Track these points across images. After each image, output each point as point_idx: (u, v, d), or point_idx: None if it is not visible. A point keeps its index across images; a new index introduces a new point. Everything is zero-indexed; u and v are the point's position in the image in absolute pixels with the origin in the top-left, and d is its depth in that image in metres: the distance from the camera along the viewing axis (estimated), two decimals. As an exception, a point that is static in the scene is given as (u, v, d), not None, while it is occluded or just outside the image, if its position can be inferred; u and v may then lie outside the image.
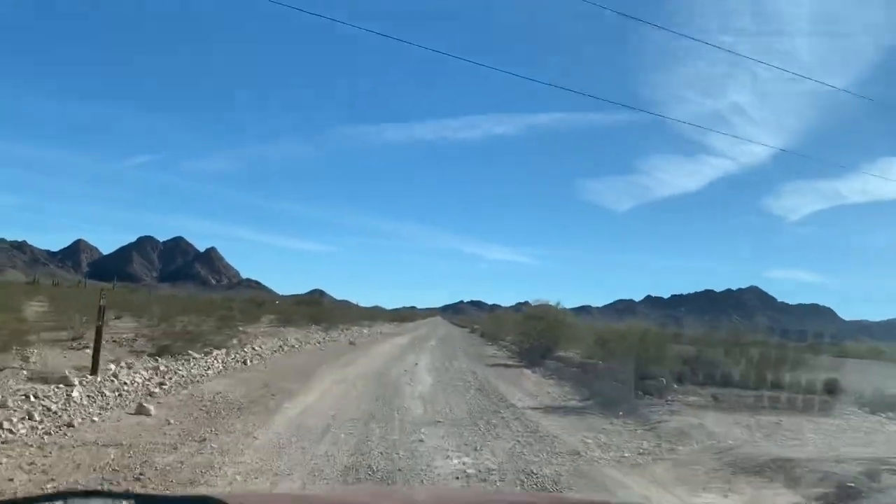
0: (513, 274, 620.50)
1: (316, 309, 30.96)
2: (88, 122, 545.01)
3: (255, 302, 46.23)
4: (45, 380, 9.06)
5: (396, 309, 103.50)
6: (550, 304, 36.28)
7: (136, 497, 1.27)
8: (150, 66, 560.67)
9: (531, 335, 21.28)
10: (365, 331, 35.73)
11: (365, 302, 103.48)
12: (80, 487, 4.58)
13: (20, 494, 4.20)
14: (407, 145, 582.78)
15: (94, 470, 5.32)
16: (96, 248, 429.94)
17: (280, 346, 17.68)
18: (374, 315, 57.90)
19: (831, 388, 12.03)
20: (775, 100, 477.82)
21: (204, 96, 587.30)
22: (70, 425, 6.77)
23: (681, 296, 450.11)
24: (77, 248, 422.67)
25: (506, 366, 19.92)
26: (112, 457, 5.73)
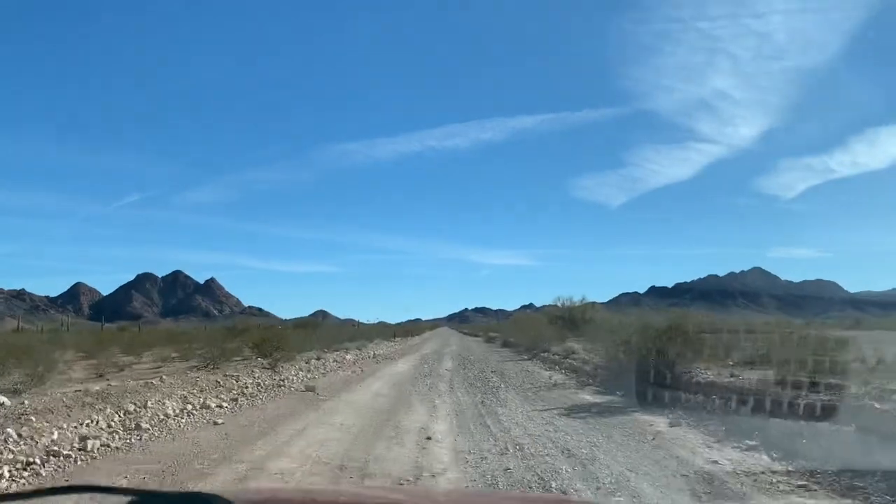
0: (513, 278, 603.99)
1: (271, 333, 21.12)
2: (74, 165, 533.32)
3: (238, 330, 36.90)
4: None
5: (401, 323, 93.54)
6: (575, 300, 28.79)
7: (139, 493, 1.23)
8: (127, 101, 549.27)
9: (635, 344, 11.38)
10: (348, 356, 24.65)
11: (369, 319, 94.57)
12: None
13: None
14: (396, 159, 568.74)
15: None
16: (96, 290, 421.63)
17: (110, 432, 7.24)
18: (375, 332, 48.03)
19: None
20: (757, 80, 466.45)
21: (185, 129, 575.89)
22: None
23: (685, 283, 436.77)
24: (77, 291, 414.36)
25: (598, 410, 10.11)
26: None
